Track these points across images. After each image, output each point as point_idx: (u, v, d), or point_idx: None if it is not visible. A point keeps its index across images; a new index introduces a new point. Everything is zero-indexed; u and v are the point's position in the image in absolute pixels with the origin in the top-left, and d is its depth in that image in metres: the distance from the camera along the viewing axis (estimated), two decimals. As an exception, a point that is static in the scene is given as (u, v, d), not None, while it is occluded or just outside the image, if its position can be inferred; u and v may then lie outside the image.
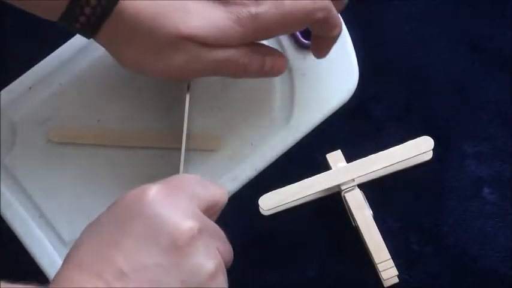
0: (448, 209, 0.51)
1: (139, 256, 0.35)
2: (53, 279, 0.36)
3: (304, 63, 0.54)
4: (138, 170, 0.52)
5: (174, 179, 0.40)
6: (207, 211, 0.40)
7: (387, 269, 0.47)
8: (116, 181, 0.52)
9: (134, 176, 0.52)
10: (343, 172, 0.49)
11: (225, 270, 0.39)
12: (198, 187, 0.40)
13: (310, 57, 0.54)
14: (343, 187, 0.49)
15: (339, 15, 0.47)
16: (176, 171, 0.52)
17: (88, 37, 0.44)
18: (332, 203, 0.51)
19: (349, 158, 0.50)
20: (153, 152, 0.53)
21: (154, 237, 0.36)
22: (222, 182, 0.52)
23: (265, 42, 0.52)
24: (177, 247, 0.36)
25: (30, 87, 0.54)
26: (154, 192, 0.37)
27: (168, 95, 0.53)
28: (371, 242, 0.48)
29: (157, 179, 0.51)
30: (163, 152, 0.52)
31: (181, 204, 0.38)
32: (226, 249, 0.40)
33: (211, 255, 0.37)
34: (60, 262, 0.51)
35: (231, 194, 0.52)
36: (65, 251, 0.51)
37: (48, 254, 0.51)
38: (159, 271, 0.35)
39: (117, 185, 0.52)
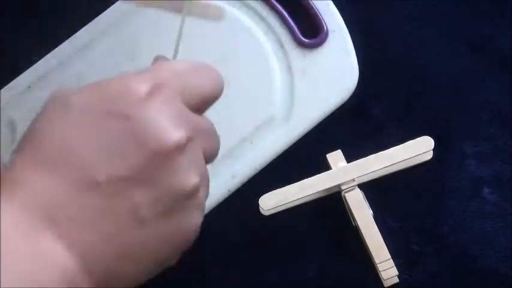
0: (448, 209, 0.51)
1: (117, 162, 0.30)
2: (5, 175, 0.30)
3: (304, 61, 0.54)
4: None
5: (162, 70, 0.34)
6: (199, 105, 0.35)
7: (387, 269, 0.47)
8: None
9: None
10: (343, 172, 0.49)
11: (207, 180, 0.35)
12: (191, 79, 0.35)
13: (310, 56, 0.54)
14: (343, 187, 0.49)
15: None
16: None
17: None
18: (332, 203, 0.51)
19: (349, 158, 0.50)
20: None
21: (136, 142, 0.31)
22: (222, 180, 0.52)
23: (268, 44, 0.52)
24: (160, 158, 0.31)
25: (29, 86, 0.54)
26: (141, 89, 0.32)
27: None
28: (371, 242, 0.48)
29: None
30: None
31: (170, 105, 0.32)
32: (213, 146, 0.36)
33: (195, 169, 0.33)
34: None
35: (231, 192, 0.52)
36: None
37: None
38: (134, 183, 0.31)
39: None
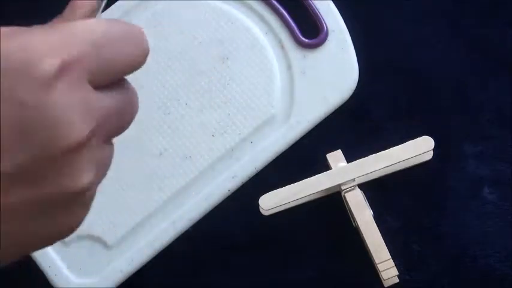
0: (448, 209, 0.51)
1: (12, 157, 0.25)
2: None
3: (304, 61, 0.54)
4: (137, 167, 0.52)
5: (77, 38, 0.27)
6: (115, 79, 0.30)
7: (387, 269, 0.47)
8: (116, 178, 0.52)
9: (134, 172, 0.52)
10: (343, 172, 0.49)
11: (105, 168, 0.31)
12: (111, 51, 0.29)
13: (310, 56, 0.54)
14: (343, 187, 0.49)
15: None
16: (175, 172, 0.52)
17: None
18: (332, 203, 0.51)
19: (349, 158, 0.50)
20: (152, 150, 0.52)
21: (27, 136, 0.25)
22: (222, 179, 0.52)
23: (268, 44, 0.52)
24: (53, 157, 0.26)
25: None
26: (46, 68, 0.25)
27: (167, 91, 0.53)
28: (371, 242, 0.48)
29: (155, 178, 0.51)
30: (162, 150, 0.52)
31: (77, 91, 0.26)
32: (123, 125, 0.32)
33: (92, 164, 0.28)
34: (60, 262, 0.50)
35: (230, 192, 0.52)
36: (65, 251, 0.51)
37: (48, 254, 0.51)
38: (13, 182, 0.26)
39: (118, 182, 0.52)
